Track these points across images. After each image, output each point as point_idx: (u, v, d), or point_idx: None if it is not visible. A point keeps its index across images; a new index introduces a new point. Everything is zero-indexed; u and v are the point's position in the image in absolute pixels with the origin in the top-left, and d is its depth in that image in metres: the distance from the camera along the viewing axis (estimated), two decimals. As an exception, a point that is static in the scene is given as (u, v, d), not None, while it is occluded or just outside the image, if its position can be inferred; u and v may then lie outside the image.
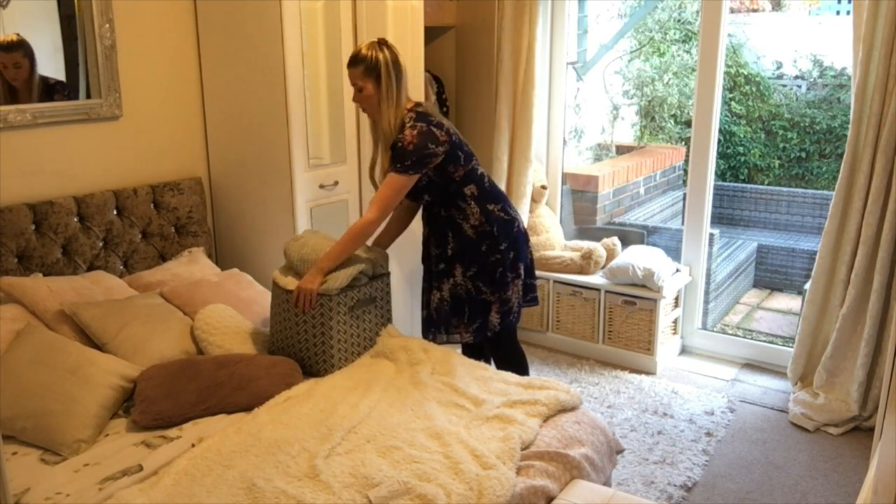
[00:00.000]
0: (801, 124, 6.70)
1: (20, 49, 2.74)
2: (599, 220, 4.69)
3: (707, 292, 4.25)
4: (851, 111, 3.12)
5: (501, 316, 2.77)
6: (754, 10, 7.20)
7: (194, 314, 2.68)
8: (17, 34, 2.72)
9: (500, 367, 2.83)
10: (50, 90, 2.85)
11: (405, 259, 3.51)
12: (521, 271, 2.79)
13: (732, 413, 3.34)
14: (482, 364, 2.64)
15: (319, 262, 2.55)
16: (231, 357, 2.49)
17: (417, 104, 2.69)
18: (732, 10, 6.41)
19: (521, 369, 2.92)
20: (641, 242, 4.24)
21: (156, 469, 2.00)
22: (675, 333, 3.96)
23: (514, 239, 2.78)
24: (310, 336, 2.56)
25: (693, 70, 5.41)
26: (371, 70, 2.57)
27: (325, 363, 2.55)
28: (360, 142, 3.47)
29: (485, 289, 2.75)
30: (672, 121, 6.49)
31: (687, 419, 3.27)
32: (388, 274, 2.78)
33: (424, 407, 2.29)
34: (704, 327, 4.09)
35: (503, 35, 3.89)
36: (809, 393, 3.33)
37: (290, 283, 2.59)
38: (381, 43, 2.61)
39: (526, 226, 3.79)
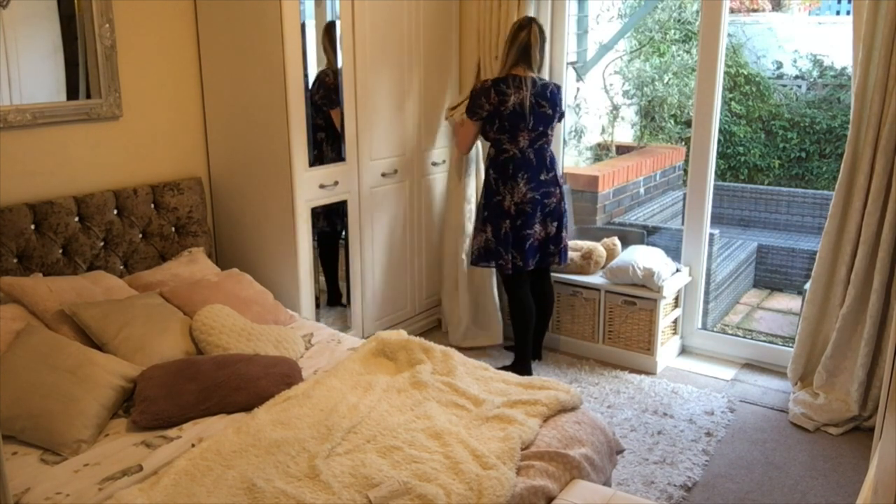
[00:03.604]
0: (801, 124, 6.70)
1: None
2: (599, 219, 4.69)
3: (707, 292, 4.25)
4: (851, 111, 3.12)
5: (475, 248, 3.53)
6: (754, 10, 7.20)
7: (194, 314, 2.68)
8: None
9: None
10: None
11: (405, 259, 3.51)
12: (489, 233, 3.43)
13: (732, 413, 3.34)
14: (482, 364, 2.65)
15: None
16: (231, 357, 2.49)
17: (516, 74, 3.29)
18: (732, 10, 6.41)
19: (515, 320, 3.56)
20: (641, 242, 4.24)
21: (156, 469, 2.01)
22: (674, 333, 3.96)
23: (493, 206, 3.41)
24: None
25: (693, 70, 5.42)
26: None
27: None
28: (360, 142, 3.47)
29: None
30: (672, 121, 6.49)
31: (687, 419, 3.26)
32: None
33: (424, 407, 2.29)
34: (704, 327, 4.09)
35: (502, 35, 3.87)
36: (809, 393, 3.32)
37: None
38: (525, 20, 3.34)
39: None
